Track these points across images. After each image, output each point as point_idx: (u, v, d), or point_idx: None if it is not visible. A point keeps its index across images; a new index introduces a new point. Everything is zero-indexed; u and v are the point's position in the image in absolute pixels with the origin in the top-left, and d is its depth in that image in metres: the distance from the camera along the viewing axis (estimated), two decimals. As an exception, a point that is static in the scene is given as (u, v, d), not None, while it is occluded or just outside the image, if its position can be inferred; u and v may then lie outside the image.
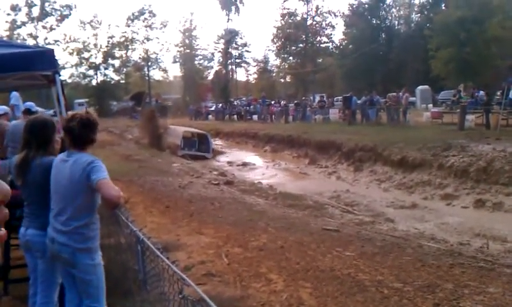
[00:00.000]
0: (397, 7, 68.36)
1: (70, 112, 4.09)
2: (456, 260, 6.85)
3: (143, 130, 30.67)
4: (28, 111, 7.19)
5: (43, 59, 6.17)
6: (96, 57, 65.29)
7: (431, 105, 38.97)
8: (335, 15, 67.05)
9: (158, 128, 28.64)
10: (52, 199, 3.62)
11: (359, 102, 32.36)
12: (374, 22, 65.04)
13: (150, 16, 69.05)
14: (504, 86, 23.36)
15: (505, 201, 12.69)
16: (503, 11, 45.30)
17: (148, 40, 69.18)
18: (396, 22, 68.71)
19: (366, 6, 64.59)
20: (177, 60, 77.17)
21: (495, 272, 6.38)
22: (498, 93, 26.38)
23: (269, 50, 76.67)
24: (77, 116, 3.60)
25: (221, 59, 77.03)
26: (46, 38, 61.11)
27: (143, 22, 68.83)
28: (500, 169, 13.76)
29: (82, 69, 65.09)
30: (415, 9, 67.12)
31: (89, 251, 3.57)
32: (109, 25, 69.03)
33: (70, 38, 62.95)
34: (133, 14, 68.32)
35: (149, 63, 70.83)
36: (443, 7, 56.47)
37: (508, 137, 17.42)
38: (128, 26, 68.09)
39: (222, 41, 75.31)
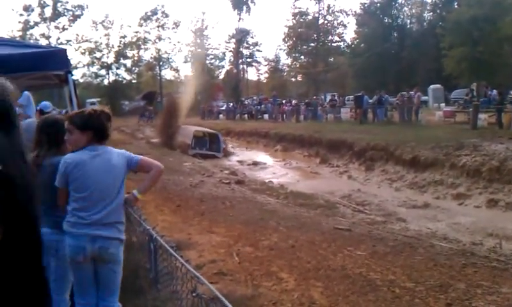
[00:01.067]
0: (409, 6, 68.10)
1: (86, 109, 4.10)
2: (468, 260, 6.81)
3: (161, 122, 30.84)
4: (41, 112, 7.19)
5: (55, 59, 6.22)
6: (108, 57, 65.75)
7: (443, 104, 38.72)
8: (346, 14, 67.16)
9: (171, 126, 28.78)
10: (84, 196, 3.58)
11: (370, 101, 32.26)
12: (386, 20, 64.83)
13: (162, 16, 69.36)
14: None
15: (518, 201, 12.60)
16: (515, 10, 44.94)
17: (160, 40, 69.51)
18: (408, 21, 68.40)
19: (378, 4, 64.39)
20: (189, 59, 77.47)
21: (508, 272, 6.34)
22: (511, 92, 26.19)
23: (280, 49, 76.86)
24: (97, 111, 3.65)
25: (232, 59, 77.13)
26: (58, 38, 61.77)
27: (156, 22, 69.15)
28: (513, 168, 13.65)
29: (94, 69, 65.68)
30: (428, 7, 66.77)
31: (123, 242, 3.70)
32: (121, 25, 69.13)
33: (82, 38, 63.49)
34: (146, 14, 68.68)
35: (161, 63, 71.13)
36: (456, 6, 56.15)
37: (521, 136, 17.28)
38: (141, 26, 68.49)
39: (233, 40, 75.39)
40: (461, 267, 6.40)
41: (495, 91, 27.49)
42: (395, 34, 65.22)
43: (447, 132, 21.14)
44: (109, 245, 3.55)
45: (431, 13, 65.82)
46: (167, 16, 69.74)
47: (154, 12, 68.94)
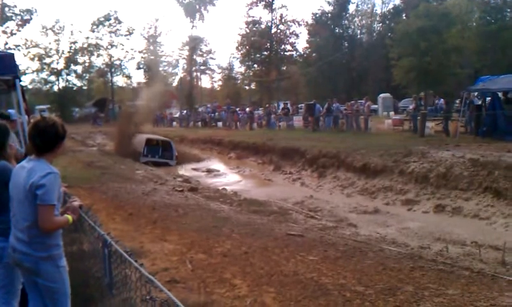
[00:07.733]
0: (360, 17, 69.70)
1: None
2: (416, 263, 7.00)
3: (117, 134, 30.42)
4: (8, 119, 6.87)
5: (3, 64, 6.06)
6: (58, 63, 63.96)
7: (392, 113, 39.72)
8: (298, 24, 67.42)
9: (127, 135, 28.39)
10: (12, 206, 3.51)
11: (322, 109, 32.66)
12: (337, 31, 65.98)
13: (115, 22, 68.02)
14: (462, 94, 23.92)
15: (464, 206, 13.00)
16: (462, 21, 46.66)
17: (112, 46, 68.16)
18: (358, 31, 70.03)
19: (329, 15, 65.42)
20: (141, 66, 76.38)
21: (454, 275, 6.55)
22: (457, 101, 27.09)
23: (233, 57, 76.38)
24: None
25: (186, 66, 76.62)
26: (6, 43, 59.56)
27: (108, 27, 67.78)
28: (459, 174, 14.08)
29: (44, 75, 63.61)
30: (377, 18, 68.50)
31: (53, 258, 3.44)
32: (71, 31, 67.37)
33: (31, 43, 61.55)
34: (98, 19, 67.25)
35: (112, 69, 69.78)
36: (404, 17, 57.73)
37: (466, 144, 17.91)
38: (93, 31, 66.99)
39: (187, 48, 74.93)
40: (409, 270, 6.58)
41: (442, 100, 28.39)
42: (346, 44, 66.45)
43: (396, 139, 21.67)
44: (23, 259, 3.42)
45: (381, 24, 67.57)
46: (120, 22, 68.45)
47: (107, 18, 67.57)
